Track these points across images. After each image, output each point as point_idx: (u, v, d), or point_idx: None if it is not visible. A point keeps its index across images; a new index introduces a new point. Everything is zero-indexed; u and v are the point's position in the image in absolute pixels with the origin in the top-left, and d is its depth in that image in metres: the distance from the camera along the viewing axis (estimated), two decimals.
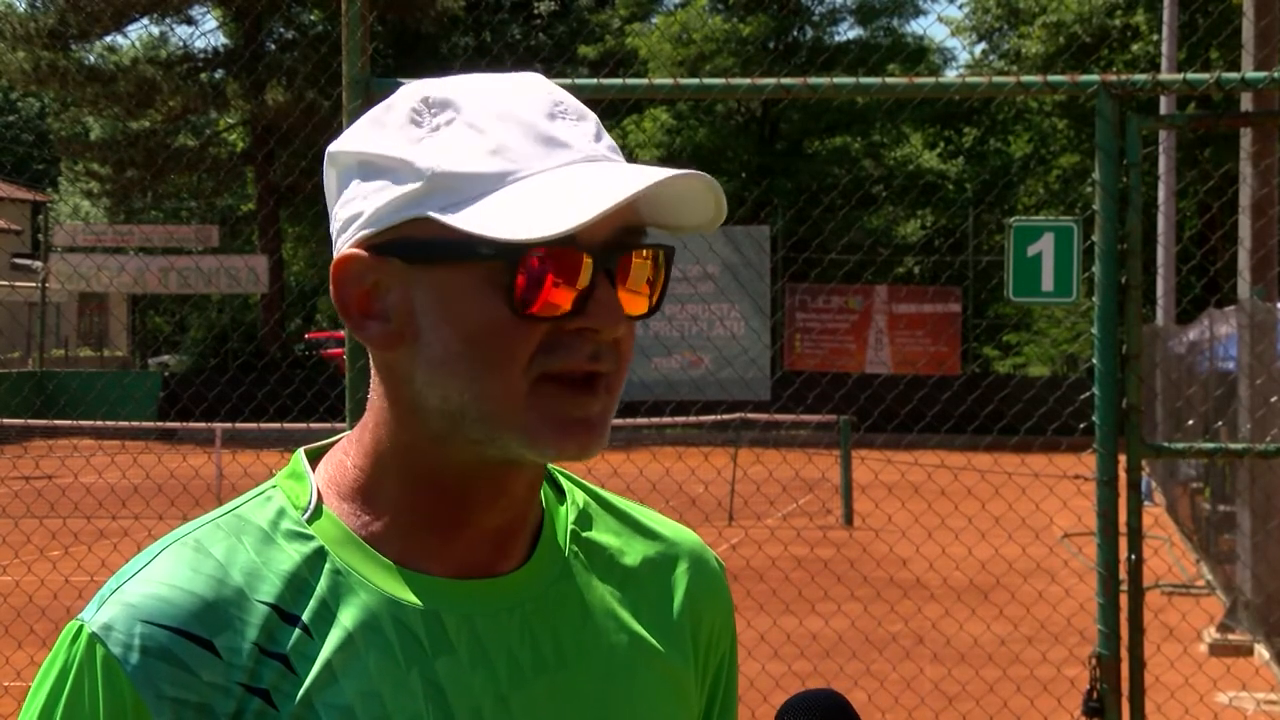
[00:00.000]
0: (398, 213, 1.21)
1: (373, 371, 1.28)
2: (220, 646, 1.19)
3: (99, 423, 18.00)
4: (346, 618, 1.23)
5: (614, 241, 1.20)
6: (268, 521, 1.26)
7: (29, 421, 19.48)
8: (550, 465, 1.33)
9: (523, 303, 1.18)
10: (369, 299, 1.24)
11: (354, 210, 1.24)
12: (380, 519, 1.27)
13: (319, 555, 1.24)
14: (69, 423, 18.36)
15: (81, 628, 1.21)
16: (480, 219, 1.17)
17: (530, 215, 1.16)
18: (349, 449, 1.30)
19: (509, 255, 1.17)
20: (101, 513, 12.31)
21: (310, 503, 1.27)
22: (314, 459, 1.33)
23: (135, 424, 20.46)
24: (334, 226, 1.27)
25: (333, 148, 1.27)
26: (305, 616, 1.22)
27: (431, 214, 1.19)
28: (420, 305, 1.22)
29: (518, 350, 1.19)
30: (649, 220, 1.25)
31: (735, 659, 1.45)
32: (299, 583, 1.23)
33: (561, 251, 1.18)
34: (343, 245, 1.25)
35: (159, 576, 1.22)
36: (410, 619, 1.24)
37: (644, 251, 1.23)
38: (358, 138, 1.25)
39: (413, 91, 1.25)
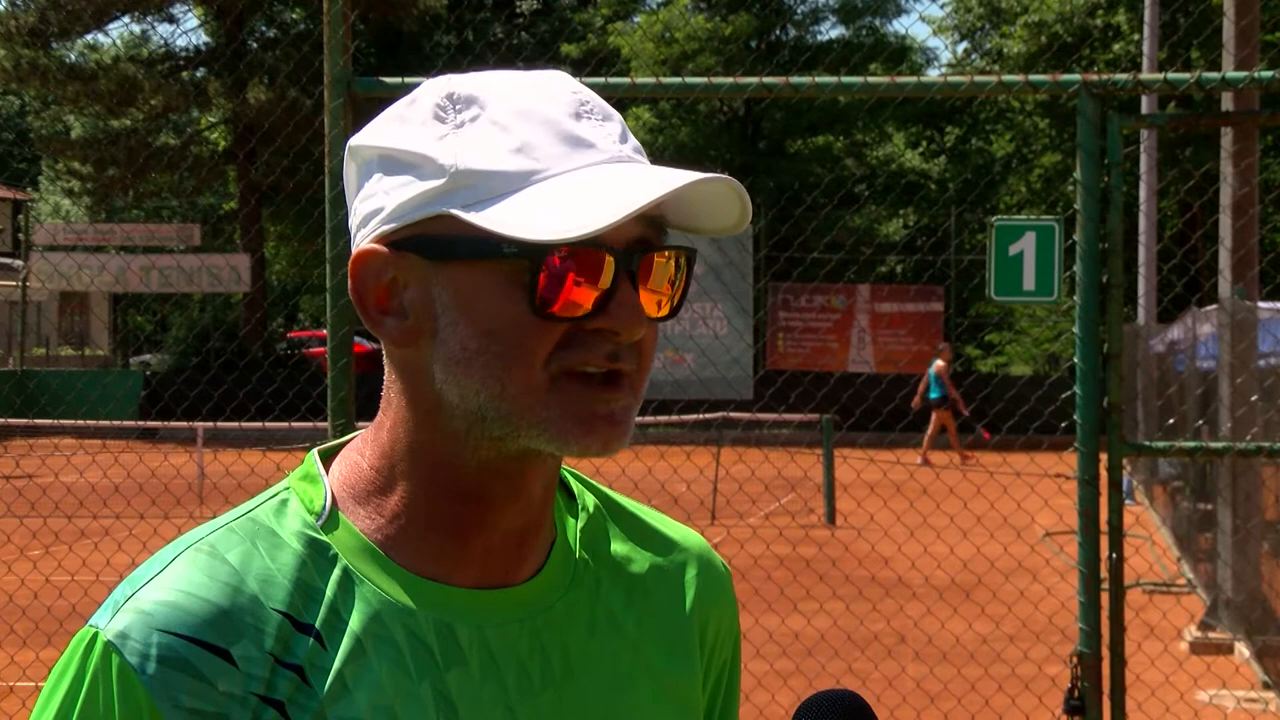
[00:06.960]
0: (419, 209, 1.20)
1: (388, 370, 1.27)
2: (237, 656, 1.17)
3: (80, 422, 17.92)
4: (358, 627, 1.21)
5: (636, 242, 1.20)
6: (282, 526, 1.24)
7: (9, 420, 19.38)
8: (561, 468, 1.32)
9: (544, 302, 1.17)
10: (387, 294, 1.23)
11: (374, 205, 1.23)
12: (395, 523, 1.25)
13: (332, 562, 1.23)
14: (50, 422, 18.29)
15: (96, 635, 1.18)
16: (504, 218, 1.16)
17: (555, 216, 1.15)
18: (364, 449, 1.28)
19: (532, 255, 1.16)
20: (82, 512, 12.26)
21: (325, 507, 1.25)
22: (326, 459, 1.30)
23: (116, 423, 20.35)
24: (353, 221, 1.26)
25: (353, 141, 1.26)
26: (318, 625, 1.20)
27: (454, 211, 1.18)
28: (439, 301, 1.21)
29: (536, 348, 1.18)
30: (672, 222, 1.24)
31: (739, 661, 1.45)
32: (312, 591, 1.21)
33: (584, 252, 1.17)
34: (361, 240, 1.24)
35: (174, 583, 1.19)
36: (423, 629, 1.22)
37: (666, 253, 1.22)
38: (380, 132, 1.24)
39: (438, 86, 1.23)
